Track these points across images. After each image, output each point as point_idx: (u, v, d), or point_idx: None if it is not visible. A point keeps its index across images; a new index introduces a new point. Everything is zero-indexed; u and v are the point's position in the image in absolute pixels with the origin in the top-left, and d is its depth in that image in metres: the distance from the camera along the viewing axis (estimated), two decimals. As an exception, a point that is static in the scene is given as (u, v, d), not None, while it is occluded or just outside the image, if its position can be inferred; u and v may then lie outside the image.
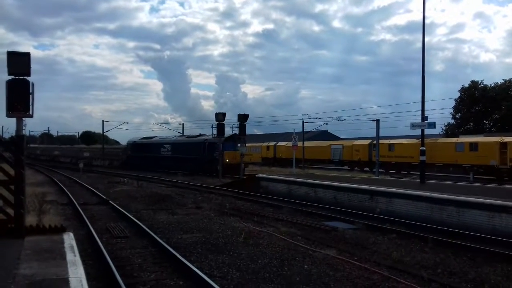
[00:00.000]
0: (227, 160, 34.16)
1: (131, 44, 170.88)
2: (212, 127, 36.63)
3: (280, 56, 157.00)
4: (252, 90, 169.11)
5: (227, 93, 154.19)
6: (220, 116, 34.15)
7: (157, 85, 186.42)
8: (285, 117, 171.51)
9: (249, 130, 37.62)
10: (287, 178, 22.59)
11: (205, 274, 7.50)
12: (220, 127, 34.18)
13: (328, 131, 67.03)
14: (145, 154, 46.03)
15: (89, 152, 66.53)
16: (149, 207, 17.11)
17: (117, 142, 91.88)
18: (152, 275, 7.86)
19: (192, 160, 38.01)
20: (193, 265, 7.98)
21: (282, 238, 11.09)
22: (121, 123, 64.90)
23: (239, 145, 34.95)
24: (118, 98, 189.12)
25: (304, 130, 49.17)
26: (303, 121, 49.16)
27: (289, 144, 37.26)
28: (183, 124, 65.25)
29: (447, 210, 13.56)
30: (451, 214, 13.41)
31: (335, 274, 7.89)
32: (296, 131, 35.43)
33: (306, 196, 20.15)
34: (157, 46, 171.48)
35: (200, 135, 42.30)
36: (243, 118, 33.37)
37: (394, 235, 11.92)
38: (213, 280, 7.06)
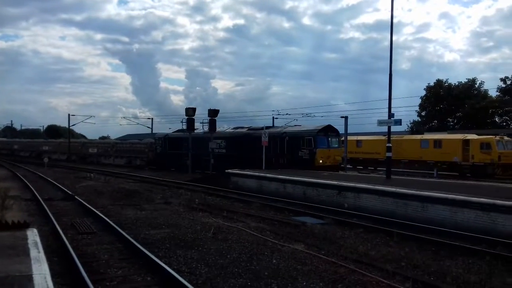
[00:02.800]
0: (320, 161, 25.96)
1: (98, 36, 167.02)
2: (182, 122, 36.16)
3: (250, 52, 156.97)
4: (222, 85, 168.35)
5: (197, 88, 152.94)
6: (190, 111, 33.86)
7: (126, 79, 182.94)
8: (255, 112, 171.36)
9: (220, 126, 36.13)
10: (257, 174, 22.66)
11: (173, 269, 7.46)
12: (190, 122, 33.91)
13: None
14: (183, 151, 35.17)
15: (48, 146, 60.78)
16: (117, 203, 16.84)
17: (83, 136, 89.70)
18: (119, 271, 7.75)
19: (260, 159, 26.63)
20: (161, 261, 7.92)
21: (251, 233, 11.14)
22: (88, 117, 63.40)
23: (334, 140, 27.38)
24: (85, 91, 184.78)
25: (274, 126, 49.32)
26: (273, 117, 49.32)
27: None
28: (152, 118, 64.36)
29: (412, 205, 13.92)
30: (416, 209, 13.78)
31: (302, 268, 7.99)
32: (266, 126, 35.29)
33: (276, 191, 20.27)
34: (126, 39, 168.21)
35: (268, 127, 31.61)
36: (213, 113, 33.18)
37: (361, 229, 12.17)
38: (181, 276, 7.03)
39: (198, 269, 7.86)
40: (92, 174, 30.14)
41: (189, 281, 6.78)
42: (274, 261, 8.46)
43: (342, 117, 40.54)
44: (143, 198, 18.36)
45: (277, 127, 32.46)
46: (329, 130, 27.43)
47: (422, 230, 11.97)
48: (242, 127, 34.54)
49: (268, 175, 21.80)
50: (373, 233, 11.74)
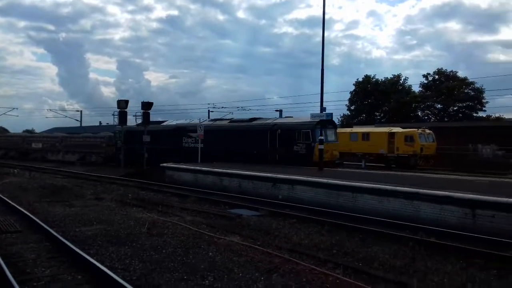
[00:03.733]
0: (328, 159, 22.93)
1: (21, 23, 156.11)
2: (113, 114, 34.85)
3: (184, 44, 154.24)
4: (156, 78, 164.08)
5: (130, 79, 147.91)
6: (123, 104, 32.76)
7: (52, 69, 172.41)
8: (190, 105, 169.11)
9: (153, 119, 34.95)
10: (192, 167, 22.48)
11: (106, 266, 7.24)
12: (122, 115, 32.86)
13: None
14: (159, 146, 31.11)
15: None
16: (43, 200, 15.98)
17: (5, 130, 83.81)
18: (47, 271, 7.39)
19: (249, 155, 25.22)
20: (92, 258, 7.65)
21: (187, 227, 11.06)
22: (10, 109, 59.40)
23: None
24: (7, 82, 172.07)
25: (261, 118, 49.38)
26: (208, 110, 49.21)
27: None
28: (81, 111, 61.67)
29: (344, 195, 14.52)
30: (347, 198, 14.38)
31: (238, 259, 8.08)
32: (202, 120, 34.85)
33: (212, 185, 20.25)
34: (51, 27, 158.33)
35: (253, 118, 29.13)
36: (147, 106, 32.33)
37: (295, 220, 12.49)
38: (114, 272, 6.84)
39: (132, 265, 7.69)
40: (15, 170, 28.32)
41: (122, 278, 6.62)
42: (210, 253, 8.47)
43: (276, 110, 41.18)
44: (72, 194, 17.57)
45: (265, 118, 29.28)
46: (326, 122, 24.94)
47: (352, 219, 12.52)
48: (221, 119, 32.91)
49: (204, 168, 21.70)
50: (306, 223, 12.11)
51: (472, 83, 48.86)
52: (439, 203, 11.81)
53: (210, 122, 31.28)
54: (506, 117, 45.68)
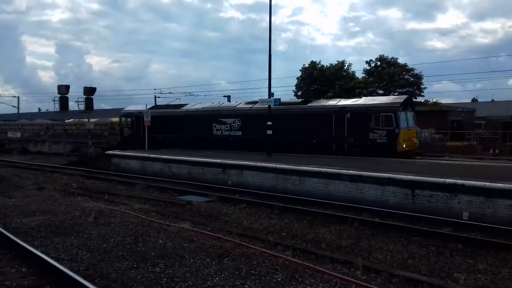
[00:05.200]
0: (404, 145, 19.48)
1: None
2: (54, 100, 33.12)
3: (128, 27, 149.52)
4: (98, 62, 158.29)
5: (70, 63, 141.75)
6: (63, 89, 31.25)
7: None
8: (135, 91, 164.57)
9: (97, 105, 33.32)
10: (140, 154, 22.04)
11: (51, 258, 7.01)
12: (64, 101, 31.43)
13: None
14: (175, 135, 26.70)
15: None
16: (-21, 191, 15.10)
17: None
18: (-13, 265, 7.04)
19: (305, 145, 21.39)
20: (36, 250, 7.37)
21: (136, 215, 10.89)
22: None
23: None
24: None
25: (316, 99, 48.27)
26: (155, 96, 48.11)
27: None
28: (18, 97, 58.33)
29: (291, 179, 14.83)
30: (295, 182, 14.72)
31: (189, 245, 8.09)
32: (148, 106, 33.42)
33: (160, 172, 19.99)
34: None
35: (310, 100, 25.41)
36: (89, 91, 31.04)
37: (245, 204, 12.64)
38: (60, 263, 6.64)
39: (79, 256, 7.49)
40: None
41: (69, 268, 6.44)
42: (161, 241, 8.42)
43: (224, 96, 41.03)
44: (11, 184, 16.72)
45: (322, 100, 25.28)
46: (408, 103, 21.14)
47: (300, 202, 12.86)
48: (250, 102, 26.16)
49: (151, 155, 21.34)
50: (256, 207, 12.29)
51: (412, 69, 50.97)
52: (382, 185, 12.37)
53: (247, 105, 25.36)
54: (443, 102, 48.23)
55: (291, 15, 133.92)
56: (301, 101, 24.14)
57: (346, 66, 55.00)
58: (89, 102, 30.87)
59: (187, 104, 29.88)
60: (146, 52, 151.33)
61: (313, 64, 54.83)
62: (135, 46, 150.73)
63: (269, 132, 20.61)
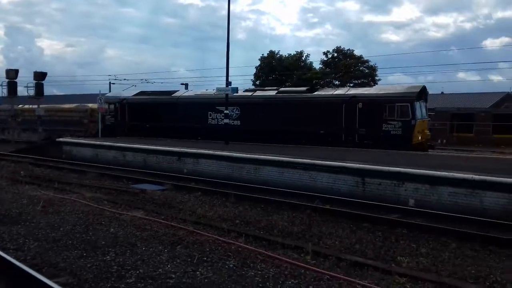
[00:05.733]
0: (419, 137, 18.78)
1: None
2: (1, 85, 31.59)
3: (81, 10, 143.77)
4: (49, 46, 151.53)
5: (19, 47, 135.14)
6: (12, 73, 29.94)
7: None
8: (89, 77, 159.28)
9: (48, 91, 31.87)
10: (92, 142, 21.50)
11: (-4, 248, 6.78)
12: (12, 86, 30.05)
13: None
14: (167, 123, 25.04)
15: None
16: None
17: None
18: None
19: (312, 136, 20.47)
20: (-20, 240, 7.10)
21: (87, 203, 10.67)
22: None
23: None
24: None
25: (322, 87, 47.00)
26: (110, 82, 46.87)
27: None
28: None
29: (246, 168, 14.95)
30: (250, 171, 14.84)
31: (142, 234, 8.03)
32: (102, 92, 32.16)
33: (114, 160, 19.60)
34: None
35: (316, 88, 24.28)
36: (40, 76, 29.87)
37: (200, 193, 12.65)
38: (6, 253, 6.43)
39: (26, 245, 7.27)
40: None
41: (16, 258, 6.26)
42: (112, 229, 8.30)
43: (182, 83, 40.57)
44: (-47, 173, 15.92)
45: (329, 88, 23.78)
46: (423, 93, 20.00)
47: (255, 190, 13.00)
48: (262, 89, 25.53)
49: (105, 143, 20.85)
50: (211, 195, 12.33)
51: (367, 61, 52.26)
52: (334, 173, 12.70)
53: (246, 93, 24.15)
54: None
55: (251, 4, 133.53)
56: (306, 89, 22.71)
57: (304, 56, 55.56)
58: (39, 88, 29.70)
59: (177, 90, 28.38)
60: (101, 37, 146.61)
61: (272, 53, 55.05)
62: (90, 30, 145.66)
63: (226, 120, 20.66)
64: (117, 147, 19.98)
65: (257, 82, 56.02)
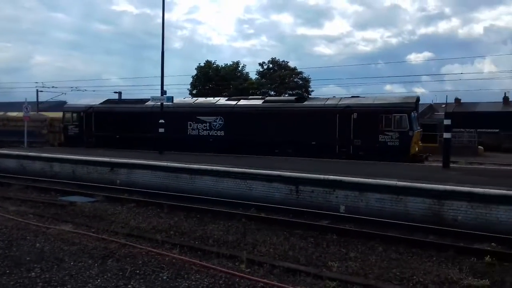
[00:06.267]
0: (416, 149, 18.93)
1: None
2: None
3: (8, 14, 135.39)
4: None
5: None
6: None
7: None
8: (14, 84, 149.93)
9: None
10: (17, 153, 20.25)
11: None
12: None
13: (68, 102, 62.81)
14: (144, 134, 23.33)
15: None
16: None
17: None
18: None
19: (303, 147, 19.72)
20: None
21: (11, 218, 10.05)
22: None
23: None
24: None
25: (39, 100, 44.76)
26: (37, 90, 44.56)
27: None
28: None
29: (182, 178, 14.80)
30: (186, 181, 14.70)
31: (70, 248, 7.70)
32: (28, 100, 28.48)
33: (41, 171, 18.59)
34: None
35: (304, 98, 23.63)
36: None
37: (133, 204, 12.36)
38: None
39: None
40: None
41: None
42: (38, 245, 7.89)
43: (115, 92, 39.48)
44: None
45: (319, 98, 23.06)
46: (417, 103, 20.15)
47: (190, 200, 12.90)
48: (246, 98, 24.16)
49: (30, 153, 19.73)
50: (145, 206, 12.08)
51: (301, 72, 54.01)
52: (269, 181, 12.91)
53: (230, 102, 23.00)
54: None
55: (187, 13, 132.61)
56: (295, 99, 22.28)
57: (241, 67, 56.20)
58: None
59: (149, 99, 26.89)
60: (29, 42, 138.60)
61: (208, 63, 55.12)
62: (16, 35, 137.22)
63: (161, 130, 20.37)
64: (43, 158, 18.98)
65: (194, 92, 55.82)
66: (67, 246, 7.81)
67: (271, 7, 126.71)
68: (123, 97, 39.07)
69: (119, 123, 24.40)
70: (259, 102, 22.22)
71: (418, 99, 20.21)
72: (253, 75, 55.97)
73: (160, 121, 20.49)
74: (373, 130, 18.50)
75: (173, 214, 11.20)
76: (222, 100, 23.52)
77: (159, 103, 20.98)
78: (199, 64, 55.31)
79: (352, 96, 21.31)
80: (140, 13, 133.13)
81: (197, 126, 22.48)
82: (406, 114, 18.40)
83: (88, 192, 14.21)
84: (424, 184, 10.56)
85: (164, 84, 21.15)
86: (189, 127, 22.67)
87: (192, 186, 14.46)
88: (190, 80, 55.13)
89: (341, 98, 21.17)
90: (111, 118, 23.70)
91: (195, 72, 55.08)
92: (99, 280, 6.11)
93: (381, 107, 19.05)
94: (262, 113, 20.96)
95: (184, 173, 14.76)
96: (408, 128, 18.26)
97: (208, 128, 22.15)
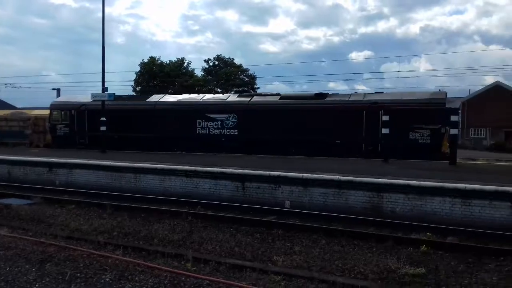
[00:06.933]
0: (447, 151, 17.23)
1: None
2: None
3: None
4: None
5: None
6: None
7: None
8: None
9: None
10: None
11: None
12: None
13: (1, 99, 59.33)
14: (150, 134, 21.79)
15: None
16: None
17: None
18: None
19: (326, 146, 18.67)
20: None
21: None
22: None
23: None
24: None
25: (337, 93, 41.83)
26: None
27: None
28: None
29: (126, 177, 14.44)
30: (130, 180, 14.36)
31: (6, 253, 7.31)
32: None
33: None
34: None
35: (325, 94, 21.02)
36: None
37: (74, 205, 11.91)
38: None
39: None
40: None
41: None
42: (-31, 251, 7.42)
43: (54, 89, 37.87)
44: None
45: (342, 94, 21.69)
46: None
47: (135, 199, 12.63)
48: (260, 94, 23.21)
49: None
50: (86, 207, 11.69)
51: (247, 69, 54.31)
52: (215, 179, 12.89)
53: (244, 98, 21.74)
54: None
55: (129, 8, 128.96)
56: (314, 95, 20.54)
57: (186, 63, 55.60)
58: None
59: (151, 95, 25.15)
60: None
61: (152, 59, 54.08)
62: None
63: (103, 128, 19.78)
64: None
65: (138, 88, 54.61)
66: (2, 251, 7.42)
67: (216, 3, 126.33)
68: (63, 93, 37.44)
69: (117, 122, 22.30)
70: (275, 98, 21.03)
71: (446, 94, 19.60)
72: (198, 72, 55.53)
73: (102, 118, 19.88)
74: (403, 128, 17.44)
75: (116, 214, 10.91)
76: (233, 97, 22.38)
77: (163, 100, 19.99)
78: (143, 60, 54.14)
79: (376, 92, 20.72)
80: (79, 7, 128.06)
81: (207, 124, 21.04)
82: (439, 111, 17.60)
83: (25, 194, 13.54)
84: (364, 178, 10.96)
85: (106, 80, 20.53)
86: (198, 126, 21.21)
87: (136, 186, 14.16)
88: (134, 76, 53.83)
89: (365, 94, 20.66)
90: (108, 116, 21.34)
91: (138, 68, 53.84)
92: (37, 285, 5.86)
93: (411, 102, 18.22)
94: (280, 110, 19.86)
95: (128, 172, 14.41)
96: (439, 125, 17.51)
97: (219, 126, 20.79)
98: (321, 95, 20.45)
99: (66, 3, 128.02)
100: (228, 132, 20.61)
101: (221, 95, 23.22)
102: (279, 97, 21.12)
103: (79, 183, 15.09)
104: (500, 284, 6.34)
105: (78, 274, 6.31)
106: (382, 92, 20.68)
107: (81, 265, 6.75)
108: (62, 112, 24.43)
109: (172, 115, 21.34)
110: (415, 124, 17.53)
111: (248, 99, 21.45)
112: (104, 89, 19.86)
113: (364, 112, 18.30)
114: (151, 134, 21.71)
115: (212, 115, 20.88)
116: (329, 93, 21.30)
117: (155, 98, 23.63)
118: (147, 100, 23.36)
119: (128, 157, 16.57)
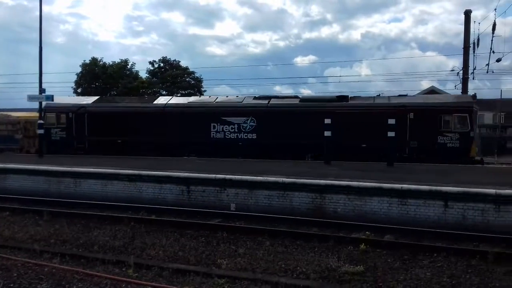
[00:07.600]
0: (476, 150, 17.79)
1: None
2: None
3: None
4: None
5: None
6: None
7: None
8: None
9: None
10: None
11: None
12: None
13: None
14: (145, 138, 20.58)
15: None
16: None
17: None
18: None
19: (350, 149, 17.84)
20: None
21: None
22: None
23: None
24: None
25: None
26: None
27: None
28: None
29: (65, 182, 13.89)
30: (68, 185, 13.83)
31: None
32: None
33: None
34: None
35: (346, 97, 20.01)
36: None
37: (8, 213, 11.30)
38: None
39: None
40: None
41: None
42: None
43: (-14, 90, 35.83)
44: None
45: (367, 97, 20.91)
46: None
47: (74, 205, 12.17)
48: (276, 97, 21.28)
49: None
50: (21, 214, 11.13)
51: (193, 72, 53.83)
52: (160, 183, 12.69)
53: (262, 101, 20.51)
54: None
55: (70, 6, 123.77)
56: (336, 97, 19.79)
57: (130, 65, 54.28)
58: None
59: (158, 97, 23.72)
60: None
61: (94, 60, 52.32)
62: None
63: (40, 131, 18.93)
64: None
65: (79, 90, 52.65)
66: None
67: (161, 4, 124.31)
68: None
69: (120, 125, 21.04)
70: (295, 101, 20.26)
71: (475, 96, 19.36)
72: (143, 74, 54.40)
73: (39, 121, 19.01)
74: (432, 131, 17.46)
75: (54, 221, 10.45)
76: (249, 99, 21.03)
77: (172, 102, 19.26)
78: (84, 61, 52.26)
79: (400, 95, 20.53)
80: (16, 5, 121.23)
81: (222, 128, 20.01)
82: (467, 114, 17.55)
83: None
84: (307, 180, 11.21)
85: (44, 81, 19.66)
86: (212, 130, 20.15)
87: (76, 191, 13.65)
88: (75, 78, 51.85)
89: (389, 97, 20.28)
90: (109, 119, 20.13)
91: (80, 69, 51.91)
92: (-37, 299, 5.50)
93: (439, 106, 18.13)
94: (301, 113, 19.13)
95: (67, 177, 13.87)
96: (469, 128, 17.44)
97: (236, 130, 19.86)
98: (343, 98, 19.87)
99: (2, 0, 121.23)
100: (246, 136, 19.83)
101: (234, 97, 22.09)
102: (298, 99, 20.55)
103: (13, 189, 14.33)
104: (433, 280, 6.70)
105: (12, 285, 6.00)
106: (406, 95, 20.73)
107: (15, 275, 6.43)
108: (58, 115, 22.50)
109: (184, 118, 20.32)
110: (444, 127, 17.56)
111: (266, 101, 20.51)
112: (42, 90, 18.99)
113: (394, 116, 16.70)
114: (161, 138, 20.59)
115: (228, 118, 19.95)
116: (355, 96, 20.91)
117: (162, 100, 22.40)
118: (154, 102, 22.15)
119: (69, 162, 15.92)
